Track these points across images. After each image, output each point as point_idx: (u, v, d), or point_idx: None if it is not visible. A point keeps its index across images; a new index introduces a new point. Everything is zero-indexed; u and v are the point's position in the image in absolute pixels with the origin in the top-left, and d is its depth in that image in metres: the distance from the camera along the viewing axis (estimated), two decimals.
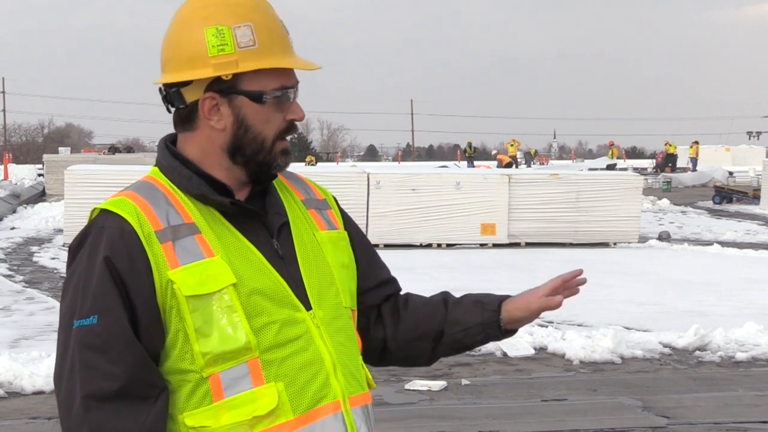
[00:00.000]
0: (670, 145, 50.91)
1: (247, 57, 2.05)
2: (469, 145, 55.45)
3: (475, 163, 50.36)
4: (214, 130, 2.09)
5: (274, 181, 2.20)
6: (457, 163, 52.86)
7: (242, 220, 2.09)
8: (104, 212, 2.04)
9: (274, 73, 2.07)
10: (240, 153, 2.09)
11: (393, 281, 2.38)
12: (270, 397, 2.00)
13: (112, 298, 1.97)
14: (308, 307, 2.09)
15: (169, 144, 2.14)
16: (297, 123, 2.12)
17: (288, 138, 2.12)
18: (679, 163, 50.54)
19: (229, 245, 2.05)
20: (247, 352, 2.00)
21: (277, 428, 2.01)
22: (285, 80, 2.08)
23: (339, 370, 2.08)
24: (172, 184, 2.09)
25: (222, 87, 2.07)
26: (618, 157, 53.18)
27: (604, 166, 43.38)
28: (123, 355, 1.96)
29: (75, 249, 2.05)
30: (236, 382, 2.00)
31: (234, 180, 2.11)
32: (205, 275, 2.00)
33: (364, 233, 2.38)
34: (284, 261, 2.10)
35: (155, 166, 2.14)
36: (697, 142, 51.60)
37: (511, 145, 53.86)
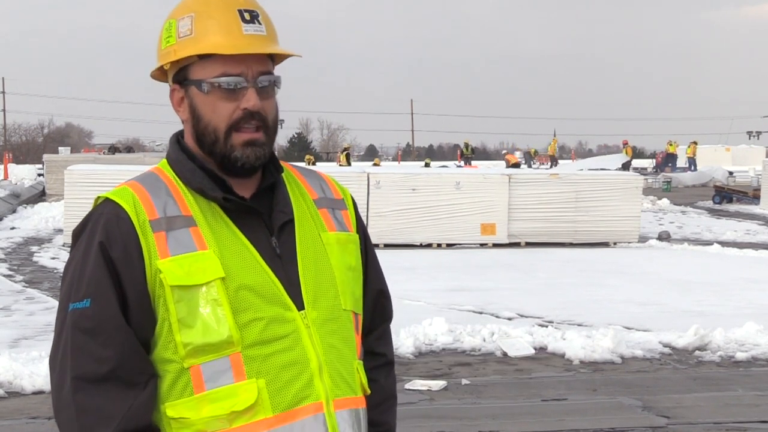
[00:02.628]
0: (671, 145, 50.83)
1: (184, 46, 2.11)
2: (466, 145, 55.14)
3: (472, 163, 50.04)
4: (185, 121, 2.15)
5: (286, 179, 2.21)
6: (457, 162, 52.79)
7: (243, 217, 2.10)
8: (105, 200, 2.09)
9: (218, 60, 2.08)
10: (201, 143, 2.12)
11: (379, 309, 2.33)
12: (249, 393, 2.01)
13: (105, 283, 2.02)
14: (301, 307, 2.08)
15: (180, 138, 2.19)
16: (262, 113, 2.09)
17: (249, 128, 2.08)
18: (678, 163, 50.40)
19: (224, 240, 2.07)
20: (229, 346, 2.01)
21: (255, 425, 2.02)
22: (229, 68, 2.07)
23: (325, 372, 2.07)
24: (176, 177, 2.13)
25: (179, 78, 2.13)
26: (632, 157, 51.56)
27: (620, 166, 42.50)
28: (113, 339, 2.00)
29: (77, 234, 2.11)
30: (217, 376, 2.02)
31: (224, 172, 2.12)
32: (194, 267, 2.02)
33: (373, 248, 2.35)
34: (281, 260, 2.10)
35: (165, 158, 2.19)
36: (695, 142, 51.39)
37: (550, 145, 53.90)
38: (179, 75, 2.13)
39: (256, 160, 2.10)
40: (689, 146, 51.03)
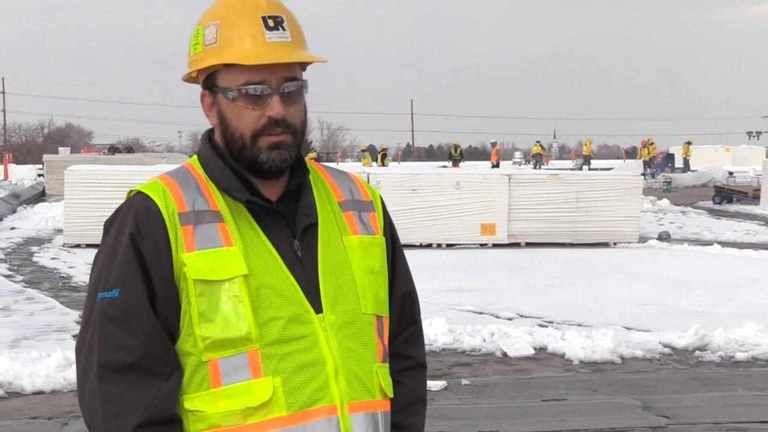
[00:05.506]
0: (652, 145, 50.89)
1: (209, 54, 2.13)
2: (455, 147, 54.45)
3: (459, 165, 49.16)
4: (215, 126, 2.17)
5: (313, 181, 2.22)
6: (446, 164, 52.30)
7: (267, 218, 2.13)
8: (137, 193, 2.13)
9: (242, 69, 2.09)
10: (230, 148, 2.14)
11: (402, 314, 2.32)
12: (264, 390, 2.03)
13: (134, 274, 2.05)
14: (319, 311, 2.10)
15: (212, 135, 2.21)
16: (287, 120, 2.10)
17: (275, 133, 2.10)
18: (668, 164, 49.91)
19: (248, 239, 2.09)
20: (247, 342, 2.04)
21: (269, 422, 2.04)
22: (251, 76, 2.09)
23: (341, 375, 2.09)
24: (206, 174, 2.16)
25: (208, 83, 2.16)
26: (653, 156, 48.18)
27: (645, 173, 39.75)
28: (140, 329, 2.03)
29: (108, 225, 2.14)
30: (235, 372, 2.04)
31: (252, 175, 2.14)
32: (218, 263, 2.05)
33: (402, 250, 2.34)
34: (302, 263, 2.12)
35: (196, 154, 2.23)
36: (688, 142, 50.81)
37: (585, 145, 53.80)
38: (208, 81, 2.15)
39: (282, 162, 2.12)
40: (683, 146, 50.60)
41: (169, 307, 2.05)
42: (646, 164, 44.30)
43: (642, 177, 22.32)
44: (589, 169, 44.18)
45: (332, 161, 67.48)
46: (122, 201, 2.17)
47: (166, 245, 2.05)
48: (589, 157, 52.40)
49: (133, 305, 2.04)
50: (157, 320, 2.04)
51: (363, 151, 52.09)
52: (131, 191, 2.16)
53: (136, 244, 2.06)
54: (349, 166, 46.21)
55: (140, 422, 2.00)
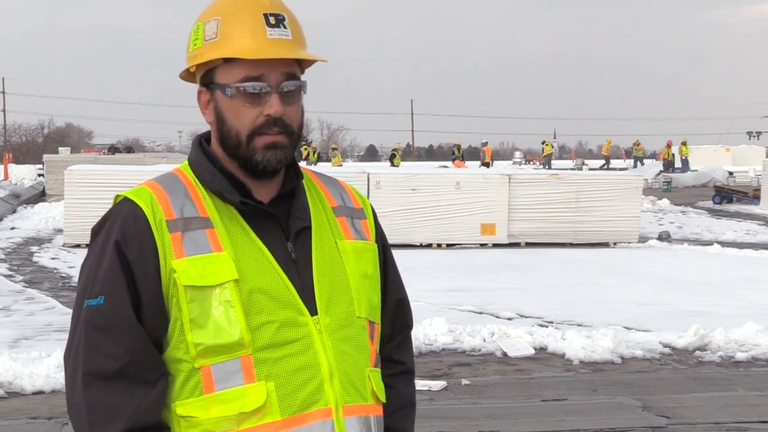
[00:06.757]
0: (638, 146, 51.18)
1: (209, 49, 2.12)
2: (458, 147, 54.36)
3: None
4: (211, 124, 2.16)
5: (306, 186, 2.22)
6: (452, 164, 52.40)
7: (259, 221, 2.11)
8: (124, 199, 2.11)
9: (242, 65, 2.08)
10: (225, 146, 2.13)
11: (394, 324, 2.32)
12: (258, 395, 2.02)
13: (119, 282, 2.04)
14: (314, 313, 2.09)
15: (203, 140, 2.20)
16: (285, 119, 2.09)
17: (272, 133, 2.09)
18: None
19: (239, 243, 2.08)
20: (240, 348, 2.02)
21: (264, 427, 2.02)
22: (250, 71, 2.08)
23: (336, 378, 2.07)
24: (196, 179, 2.15)
25: (206, 80, 2.15)
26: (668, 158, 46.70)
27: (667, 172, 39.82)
28: (125, 336, 2.02)
29: (95, 232, 2.13)
30: (228, 377, 2.02)
31: (244, 176, 2.13)
32: (208, 268, 2.03)
33: (393, 257, 2.35)
34: (296, 265, 2.11)
35: (187, 159, 2.21)
36: (683, 142, 50.48)
37: (604, 145, 54.04)
38: (206, 78, 2.14)
39: (278, 163, 2.10)
40: (679, 147, 50.40)
41: (155, 315, 2.04)
42: (668, 165, 44.53)
43: (641, 177, 22.30)
44: (608, 169, 44.36)
45: (332, 161, 67.36)
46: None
47: (152, 253, 2.04)
48: (609, 157, 52.64)
49: (118, 313, 2.02)
50: (141, 328, 2.03)
51: (334, 149, 52.06)
52: (118, 196, 2.14)
53: (122, 252, 2.04)
54: (347, 166, 46.20)
55: (126, 429, 1.99)
